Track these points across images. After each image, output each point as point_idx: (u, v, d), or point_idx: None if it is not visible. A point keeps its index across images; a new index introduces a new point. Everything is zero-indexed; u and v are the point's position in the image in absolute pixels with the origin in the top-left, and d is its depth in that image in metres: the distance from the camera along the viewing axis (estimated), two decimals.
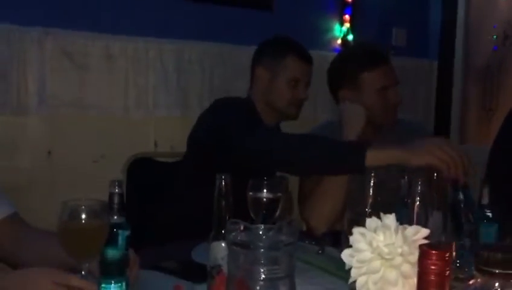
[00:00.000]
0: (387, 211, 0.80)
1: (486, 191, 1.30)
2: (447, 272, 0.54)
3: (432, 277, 0.54)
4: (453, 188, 1.17)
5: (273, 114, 1.75)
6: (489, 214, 1.29)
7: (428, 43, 3.02)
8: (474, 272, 0.49)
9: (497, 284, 0.46)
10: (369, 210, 1.10)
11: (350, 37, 2.75)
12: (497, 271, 0.46)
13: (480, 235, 1.24)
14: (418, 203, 1.11)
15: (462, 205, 1.19)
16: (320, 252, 1.36)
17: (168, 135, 1.99)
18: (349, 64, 1.68)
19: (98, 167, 2.05)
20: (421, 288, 0.55)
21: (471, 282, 0.49)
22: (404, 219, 1.06)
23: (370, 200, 1.16)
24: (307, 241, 1.42)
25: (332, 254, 1.31)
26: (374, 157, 1.31)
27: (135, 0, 2.16)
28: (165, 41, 2.22)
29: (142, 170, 1.83)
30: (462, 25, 2.97)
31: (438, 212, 1.31)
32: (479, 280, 0.48)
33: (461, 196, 1.15)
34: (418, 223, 1.09)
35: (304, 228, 1.62)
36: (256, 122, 1.65)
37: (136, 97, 2.16)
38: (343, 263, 0.73)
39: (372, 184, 1.19)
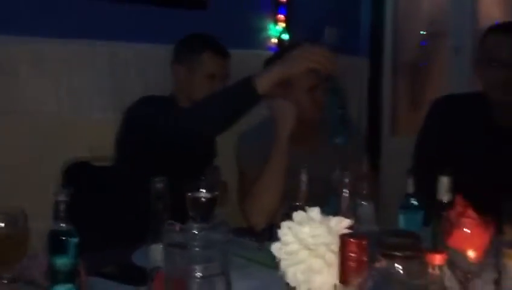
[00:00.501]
0: (321, 204, 0.85)
1: (411, 181, 1.39)
2: (364, 258, 0.59)
3: (352, 263, 0.58)
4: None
5: None
6: (415, 203, 1.38)
7: (359, 41, 3.14)
8: (378, 256, 0.54)
9: (397, 266, 0.51)
10: (300, 204, 1.15)
11: (285, 36, 2.81)
12: (397, 254, 0.51)
13: (405, 222, 1.33)
14: (346, 194, 1.18)
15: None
16: (260, 248, 1.40)
17: (103, 138, 1.96)
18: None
19: (33, 173, 1.99)
20: (342, 274, 0.59)
21: (376, 265, 0.54)
22: (336, 210, 1.13)
23: (302, 194, 1.21)
24: (247, 238, 1.46)
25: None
26: (263, 83, 1.41)
27: (66, 2, 2.11)
28: (99, 43, 2.19)
29: (78, 175, 1.82)
30: (390, 23, 3.12)
31: (368, 203, 1.40)
32: (382, 263, 0.54)
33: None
34: (346, 214, 1.16)
35: (245, 225, 1.66)
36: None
37: (70, 101, 2.12)
38: None
39: (304, 178, 1.25)
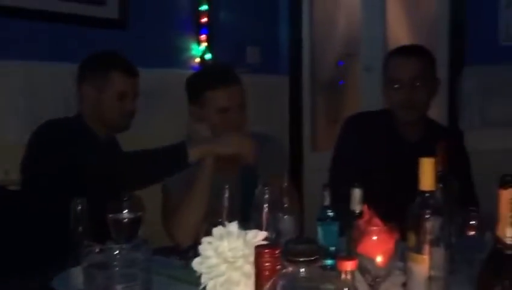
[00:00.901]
0: (244, 219, 0.88)
1: (327, 194, 1.47)
2: (278, 267, 0.63)
3: (266, 273, 0.62)
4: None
5: (105, 127, 1.84)
6: (331, 214, 1.45)
7: (279, 60, 3.26)
8: (284, 263, 0.58)
9: (302, 270, 0.56)
10: (222, 220, 1.18)
11: (208, 56, 2.86)
12: (301, 259, 0.56)
13: (323, 234, 1.39)
14: (266, 209, 1.23)
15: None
16: (185, 266, 1.41)
17: (19, 161, 1.88)
18: (197, 81, 1.76)
19: None
20: (258, 283, 0.63)
21: (283, 271, 0.59)
22: (258, 225, 1.17)
23: (225, 211, 1.25)
24: (172, 257, 1.46)
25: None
26: (195, 154, 1.56)
27: None
28: (13, 62, 2.11)
29: None
30: (307, 43, 3.27)
31: (289, 217, 1.45)
32: (289, 269, 0.58)
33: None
34: (267, 228, 1.21)
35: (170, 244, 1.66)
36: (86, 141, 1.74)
37: None
38: None
39: (227, 195, 1.29)
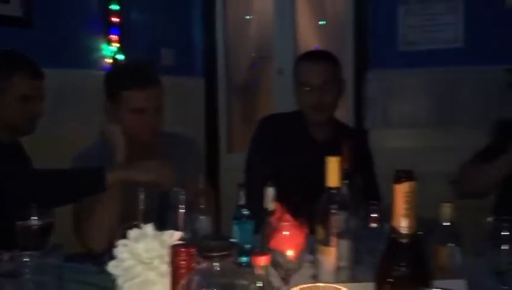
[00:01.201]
0: (161, 221, 0.89)
1: (242, 193, 1.51)
2: (194, 265, 0.65)
3: (183, 271, 0.64)
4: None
5: (8, 131, 1.78)
6: (246, 213, 1.50)
7: (194, 62, 3.27)
8: (200, 259, 0.61)
9: (216, 264, 0.59)
10: (139, 222, 1.18)
11: (120, 56, 2.80)
12: (215, 254, 0.59)
13: (238, 232, 1.44)
14: (182, 210, 1.25)
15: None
16: (99, 271, 1.38)
17: None
18: (114, 79, 1.72)
19: None
20: (174, 281, 0.65)
21: (198, 267, 0.62)
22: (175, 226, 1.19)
23: (141, 213, 1.25)
24: (87, 263, 1.42)
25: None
26: (113, 179, 1.52)
27: None
28: None
29: None
30: (222, 45, 3.31)
31: (205, 217, 1.48)
32: (203, 264, 0.61)
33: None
34: (184, 228, 1.23)
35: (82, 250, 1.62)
36: None
37: None
38: None
39: (142, 198, 1.29)
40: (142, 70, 1.74)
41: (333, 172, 1.14)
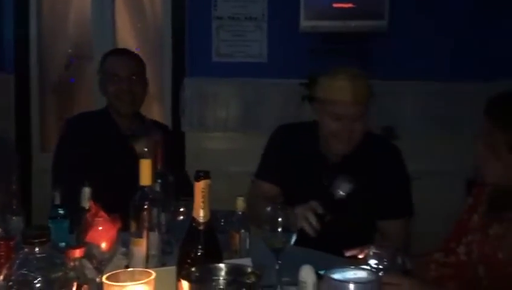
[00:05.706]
0: None
1: (57, 193, 1.55)
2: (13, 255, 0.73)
3: (2, 261, 0.72)
4: None
5: None
6: (62, 212, 1.55)
7: (4, 59, 3.08)
8: (21, 245, 0.70)
9: (37, 249, 0.68)
10: None
11: None
12: (35, 241, 0.69)
13: (54, 231, 1.48)
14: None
15: None
16: None
17: None
18: None
19: None
20: None
21: (20, 252, 0.71)
22: None
23: None
24: None
25: None
26: None
27: None
28: None
29: None
30: (35, 41, 3.17)
31: (17, 217, 1.49)
32: (25, 250, 0.71)
33: None
34: None
35: None
36: None
37: None
38: None
39: None
40: None
41: (145, 172, 1.29)
